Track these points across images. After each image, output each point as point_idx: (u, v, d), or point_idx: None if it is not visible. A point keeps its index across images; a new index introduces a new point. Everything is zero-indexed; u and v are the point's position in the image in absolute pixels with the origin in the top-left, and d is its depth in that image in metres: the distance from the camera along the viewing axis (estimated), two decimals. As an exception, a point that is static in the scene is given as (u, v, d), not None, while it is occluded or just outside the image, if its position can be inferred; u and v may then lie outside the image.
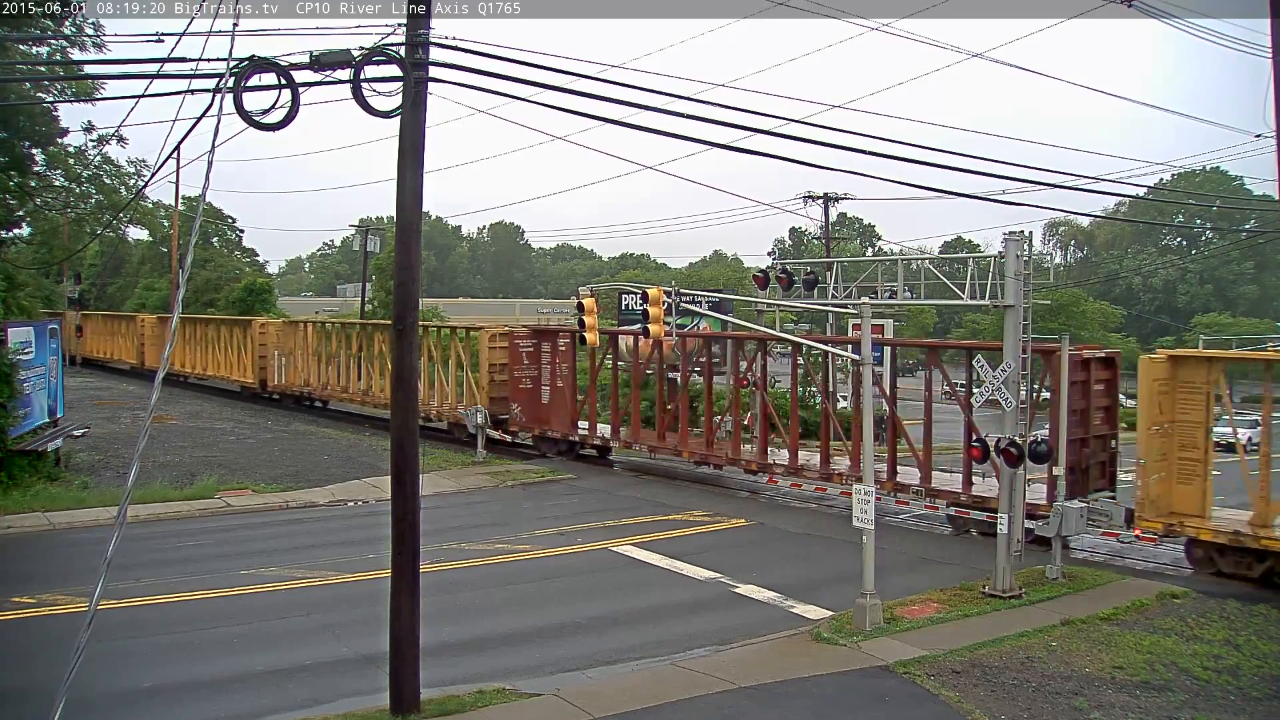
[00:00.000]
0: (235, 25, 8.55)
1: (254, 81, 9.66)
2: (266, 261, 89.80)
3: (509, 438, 31.84)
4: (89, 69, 26.17)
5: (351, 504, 22.98)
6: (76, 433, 27.85)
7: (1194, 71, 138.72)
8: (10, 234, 35.47)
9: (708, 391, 27.15)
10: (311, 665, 12.30)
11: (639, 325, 18.45)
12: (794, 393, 25.76)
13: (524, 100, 11.63)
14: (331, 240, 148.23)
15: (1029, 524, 16.65)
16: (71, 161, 32.73)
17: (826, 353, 20.54)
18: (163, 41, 11.13)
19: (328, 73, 10.04)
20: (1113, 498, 18.66)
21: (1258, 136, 22.17)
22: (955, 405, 21.93)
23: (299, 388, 41.44)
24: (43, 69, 26.77)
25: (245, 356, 44.52)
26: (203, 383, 50.79)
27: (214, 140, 7.98)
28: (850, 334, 26.19)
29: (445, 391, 33.80)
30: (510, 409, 30.56)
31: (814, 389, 30.80)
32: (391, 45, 10.22)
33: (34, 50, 26.86)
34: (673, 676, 11.94)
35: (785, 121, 13.82)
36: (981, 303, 16.75)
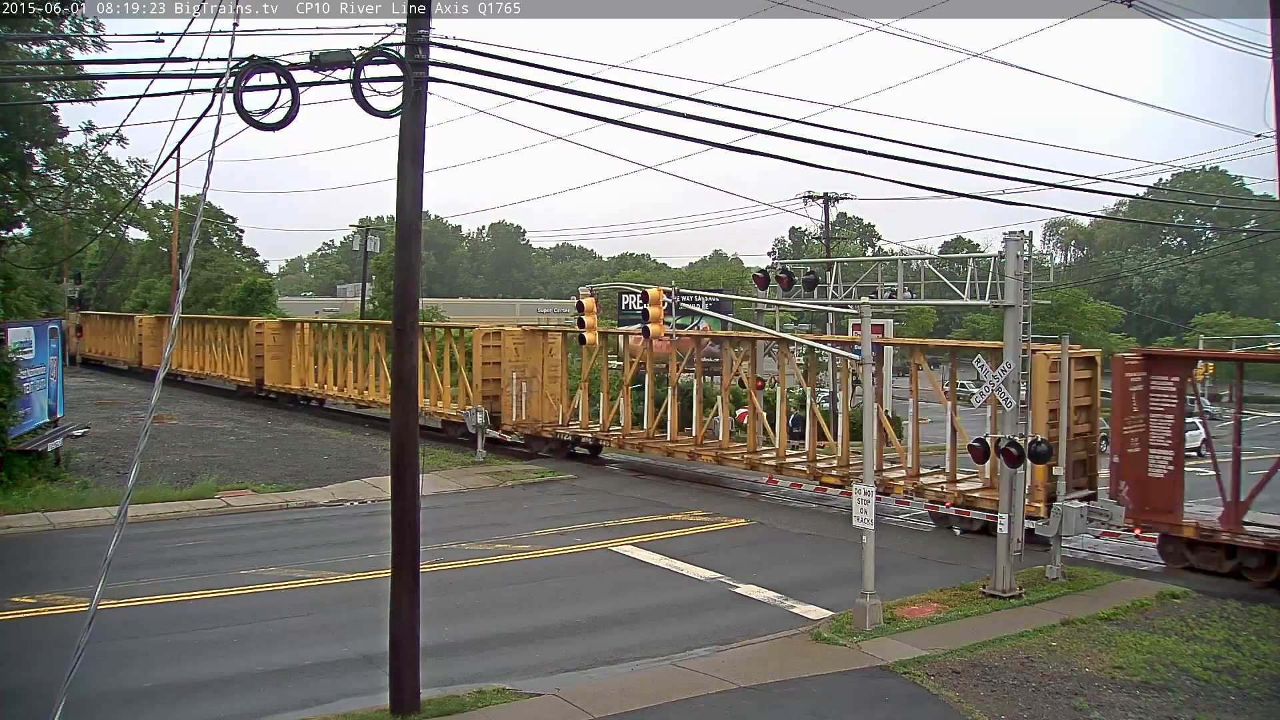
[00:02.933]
0: (235, 25, 8.56)
1: (254, 81, 9.66)
2: (266, 261, 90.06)
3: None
4: (89, 69, 26.16)
5: (351, 504, 22.99)
6: (76, 432, 27.88)
7: (1194, 72, 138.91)
8: (10, 234, 35.47)
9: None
10: (311, 665, 12.30)
11: (639, 325, 18.46)
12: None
13: (524, 100, 11.66)
14: (331, 240, 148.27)
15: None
16: (71, 162, 32.75)
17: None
18: (163, 41, 11.16)
19: (328, 73, 10.04)
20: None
21: (1258, 136, 22.24)
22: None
23: (558, 428, 29.65)
24: (43, 69, 26.76)
25: (442, 379, 32.55)
26: (363, 413, 38.48)
27: (214, 140, 7.99)
28: (850, 334, 26.20)
29: (899, 447, 23.02)
30: (1118, 488, 18.03)
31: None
32: (391, 45, 10.23)
33: (34, 50, 26.86)
34: (673, 676, 11.94)
35: (785, 121, 13.85)
36: (981, 303, 16.74)
